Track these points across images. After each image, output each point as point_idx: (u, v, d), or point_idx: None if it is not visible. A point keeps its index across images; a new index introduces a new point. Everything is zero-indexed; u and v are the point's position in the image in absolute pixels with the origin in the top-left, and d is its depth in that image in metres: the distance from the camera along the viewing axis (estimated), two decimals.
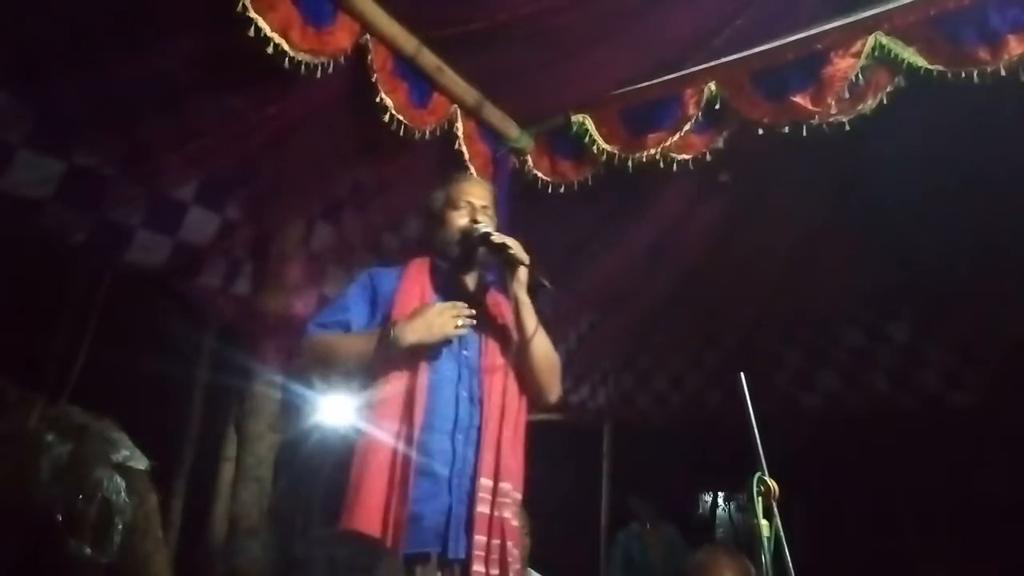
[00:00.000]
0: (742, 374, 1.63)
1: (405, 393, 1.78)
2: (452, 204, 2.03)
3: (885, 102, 2.54)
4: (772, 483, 1.50)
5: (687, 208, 3.85)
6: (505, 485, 1.79)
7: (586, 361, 5.39)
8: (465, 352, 1.88)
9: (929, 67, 2.41)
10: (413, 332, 1.77)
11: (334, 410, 3.58)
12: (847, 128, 2.58)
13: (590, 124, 3.02)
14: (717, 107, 2.77)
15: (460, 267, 2.02)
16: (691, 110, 2.80)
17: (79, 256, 2.85)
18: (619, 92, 3.01)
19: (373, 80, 2.49)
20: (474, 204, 2.02)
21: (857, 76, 2.50)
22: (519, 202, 3.04)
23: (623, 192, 3.49)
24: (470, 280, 2.04)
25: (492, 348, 1.92)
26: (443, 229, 2.02)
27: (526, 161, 3.19)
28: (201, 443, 4.22)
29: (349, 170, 3.14)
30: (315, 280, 3.32)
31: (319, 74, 2.30)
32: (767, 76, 2.68)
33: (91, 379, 3.34)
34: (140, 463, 2.59)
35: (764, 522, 1.48)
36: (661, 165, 2.87)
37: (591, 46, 2.79)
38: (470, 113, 2.94)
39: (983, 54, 2.33)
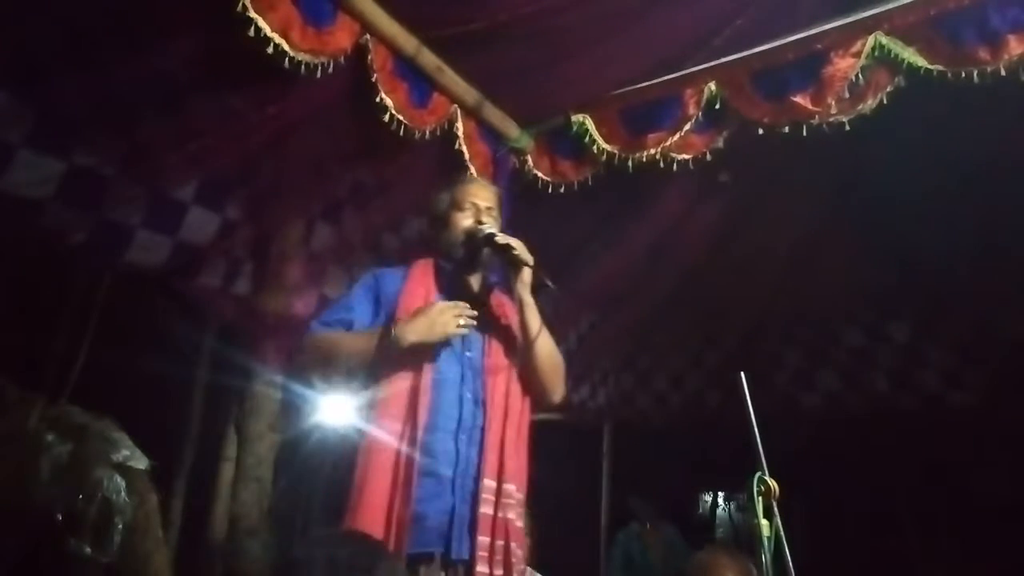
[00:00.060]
0: (742, 374, 1.63)
1: (409, 393, 1.78)
2: (457, 205, 2.04)
3: (885, 102, 2.53)
4: (772, 483, 1.50)
5: (687, 208, 3.85)
6: (509, 486, 1.79)
7: (586, 361, 5.39)
8: (468, 353, 1.89)
9: (929, 67, 2.41)
10: (414, 331, 1.77)
11: (334, 410, 3.57)
12: (847, 128, 2.58)
13: (590, 124, 3.02)
14: (717, 107, 2.77)
15: (464, 268, 2.02)
16: (691, 110, 2.80)
17: (79, 256, 2.85)
18: (619, 92, 3.01)
19: (373, 80, 2.49)
20: (479, 205, 2.03)
21: (857, 76, 2.50)
22: (519, 202, 3.04)
23: (623, 192, 3.48)
24: (474, 281, 2.04)
25: (496, 349, 1.92)
26: (448, 230, 2.03)
27: (526, 161, 3.19)
28: (201, 443, 4.22)
29: (349, 170, 3.14)
30: (315, 280, 3.32)
31: (319, 74, 2.30)
32: (767, 76, 2.68)
33: (91, 379, 3.34)
34: (140, 463, 2.59)
35: (764, 522, 1.48)
36: (661, 165, 2.86)
37: (591, 46, 2.79)
38: (470, 113, 2.94)
39: (983, 54, 2.33)
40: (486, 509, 1.74)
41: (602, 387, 5.84)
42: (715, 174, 3.35)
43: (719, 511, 8.73)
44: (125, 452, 2.55)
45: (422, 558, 1.68)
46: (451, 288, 1.98)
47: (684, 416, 5.59)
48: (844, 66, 2.52)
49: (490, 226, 1.98)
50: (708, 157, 2.84)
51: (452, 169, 2.91)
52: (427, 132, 2.72)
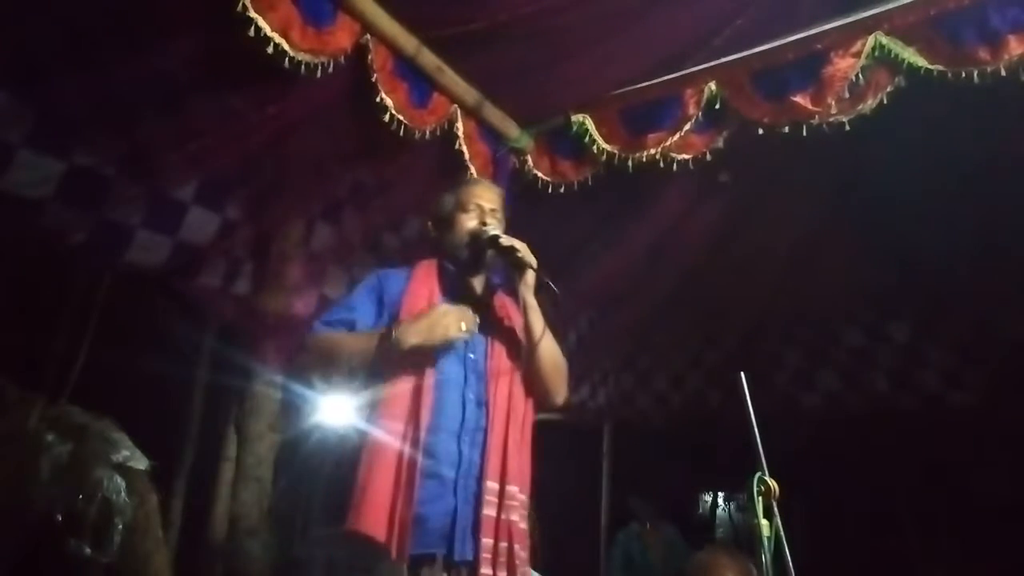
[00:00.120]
0: (742, 374, 1.63)
1: (411, 394, 1.78)
2: (461, 207, 2.03)
3: (885, 102, 2.53)
4: (772, 483, 1.51)
5: (687, 208, 3.85)
6: (511, 488, 1.79)
7: (586, 361, 5.39)
8: (471, 355, 1.88)
9: (929, 67, 2.41)
10: (415, 333, 1.76)
11: (334, 410, 3.57)
12: (847, 128, 2.58)
13: (590, 124, 3.02)
14: (717, 107, 2.77)
15: (468, 269, 2.02)
16: (691, 110, 2.80)
17: (79, 256, 2.85)
18: (619, 92, 3.01)
19: (373, 80, 2.49)
20: (483, 207, 2.02)
21: (857, 76, 2.50)
22: (519, 202, 3.04)
23: (623, 192, 3.48)
24: (477, 283, 2.04)
25: (499, 351, 1.92)
26: (452, 231, 2.02)
27: (526, 161, 3.19)
28: (201, 443, 4.22)
29: (349, 170, 3.14)
30: (315, 280, 3.32)
31: (319, 74, 2.30)
32: (767, 76, 2.68)
33: (91, 379, 3.34)
34: (140, 463, 2.59)
35: (764, 522, 1.48)
36: (661, 165, 2.86)
37: (591, 46, 2.79)
38: (470, 113, 2.94)
39: (983, 54, 2.33)
40: (489, 511, 1.74)
41: (602, 387, 5.85)
42: (715, 174, 3.35)
43: (719, 511, 8.73)
44: (125, 452, 2.55)
45: (424, 559, 1.68)
46: (454, 289, 1.98)
47: (684, 416, 5.59)
48: (844, 66, 2.52)
49: (494, 228, 1.98)
50: (708, 157, 2.84)
51: (452, 169, 2.91)
52: (427, 132, 2.72)
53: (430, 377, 1.80)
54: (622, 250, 4.16)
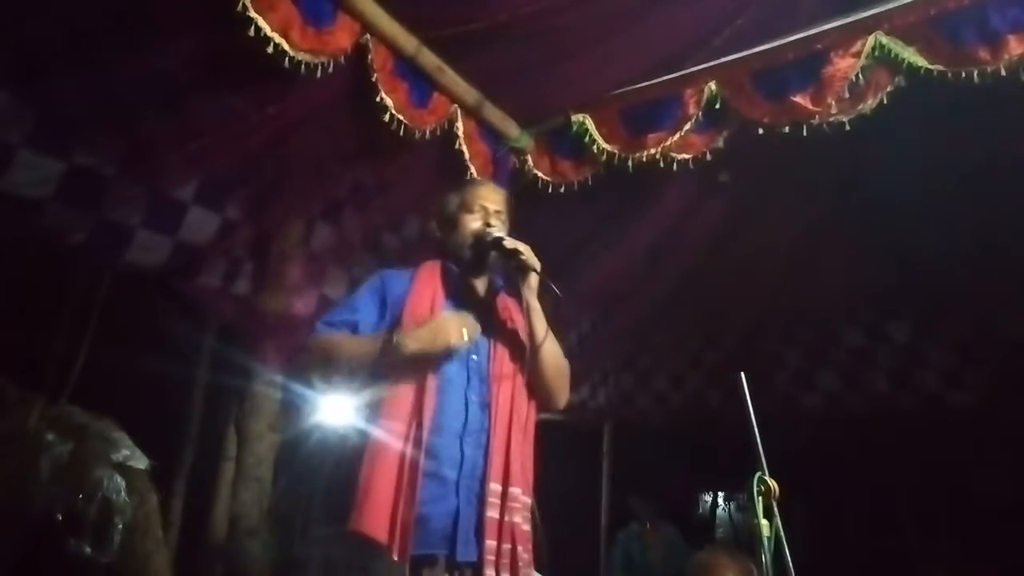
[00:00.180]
0: (742, 374, 1.63)
1: (414, 395, 1.78)
2: (466, 207, 2.03)
3: (885, 102, 2.53)
4: (772, 483, 1.51)
5: (687, 208, 3.85)
6: (514, 490, 1.79)
7: (586, 361, 5.39)
8: (474, 356, 1.88)
9: (929, 67, 2.41)
10: (416, 340, 1.76)
11: (334, 410, 3.57)
12: (847, 128, 2.58)
13: (590, 124, 3.02)
14: (717, 107, 2.77)
15: (471, 271, 2.02)
16: (691, 110, 2.80)
17: (79, 256, 2.85)
18: (619, 92, 3.01)
19: (373, 80, 2.49)
20: (488, 208, 2.02)
21: (857, 76, 2.50)
22: (519, 202, 3.04)
23: (623, 192, 3.48)
24: (480, 284, 2.04)
25: (501, 353, 1.92)
26: (456, 232, 2.02)
27: (526, 161, 3.19)
28: (201, 443, 4.22)
29: (349, 170, 3.14)
30: (315, 280, 3.32)
31: (319, 74, 2.30)
32: (767, 76, 2.68)
33: (91, 379, 3.34)
34: (140, 463, 2.60)
35: (764, 522, 1.48)
36: (661, 165, 2.86)
37: (591, 46, 2.79)
38: (470, 113, 2.94)
39: (983, 54, 2.33)
40: (492, 513, 1.74)
41: (602, 387, 5.85)
42: (715, 174, 3.35)
43: (719, 511, 8.74)
44: (125, 452, 2.56)
45: (426, 560, 1.68)
46: (458, 291, 1.98)
47: (684, 416, 5.60)
48: (844, 66, 2.51)
49: (498, 229, 1.98)
50: (708, 157, 2.84)
51: (452, 169, 2.91)
52: (427, 132, 2.72)
53: (432, 378, 1.80)
54: (622, 250, 4.16)
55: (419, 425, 1.74)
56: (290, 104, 2.54)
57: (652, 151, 2.86)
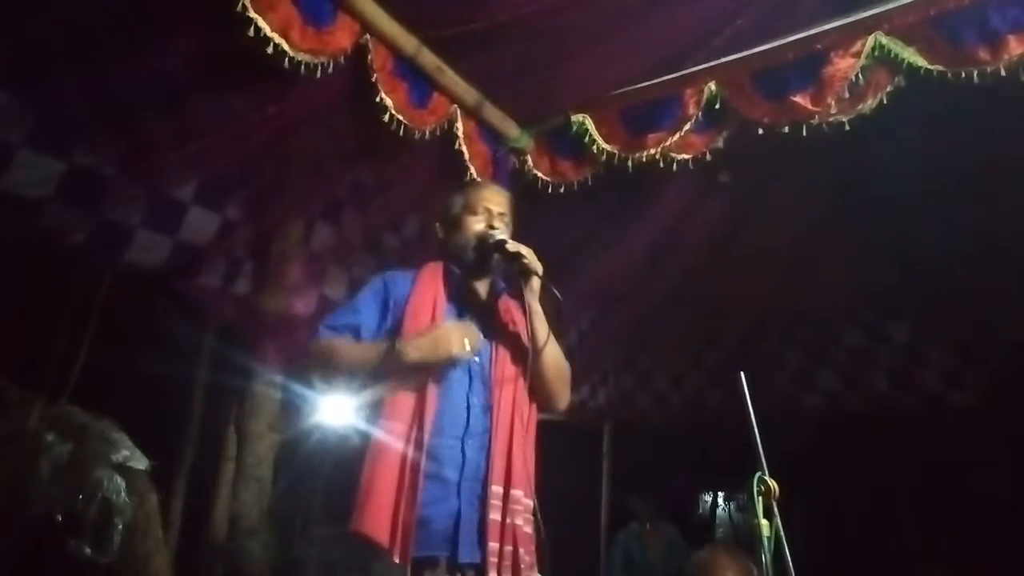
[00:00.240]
0: (742, 374, 1.63)
1: (415, 397, 1.78)
2: (470, 209, 2.03)
3: (885, 102, 2.53)
4: (772, 483, 1.51)
5: (687, 208, 3.85)
6: (516, 492, 1.79)
7: (586, 361, 5.39)
8: (476, 360, 1.88)
9: (929, 67, 2.41)
10: (417, 350, 1.76)
11: (334, 410, 3.58)
12: (847, 128, 2.58)
13: (590, 124, 3.02)
14: (717, 107, 2.77)
15: (474, 273, 2.01)
16: (691, 110, 2.80)
17: (79, 256, 2.85)
18: (619, 92, 3.01)
19: (373, 80, 2.49)
20: (492, 210, 2.02)
21: (857, 76, 2.50)
22: (519, 202, 3.04)
23: (623, 192, 3.48)
24: (482, 286, 2.04)
25: (503, 356, 1.91)
26: (459, 233, 2.01)
27: (526, 161, 3.19)
28: (201, 443, 4.22)
29: (349, 170, 3.14)
30: (315, 280, 3.32)
31: (319, 74, 2.30)
32: (767, 76, 2.68)
33: (91, 379, 3.34)
34: (140, 463, 2.60)
35: (764, 522, 1.48)
36: (661, 165, 2.86)
37: (591, 46, 2.79)
38: (470, 113, 2.94)
39: (983, 54, 2.33)
40: (494, 515, 1.74)
41: (602, 387, 5.85)
42: (715, 174, 3.35)
43: (719, 511, 8.74)
44: (125, 452, 2.56)
45: (427, 562, 1.68)
46: (460, 293, 1.98)
47: (684, 416, 5.60)
48: (844, 66, 2.51)
49: (501, 232, 1.97)
50: (708, 157, 2.84)
51: (452, 169, 2.91)
52: (427, 132, 2.72)
53: (434, 381, 1.80)
54: (622, 250, 4.16)
55: (420, 427, 1.74)
56: (290, 104, 2.54)
57: (652, 151, 2.86)
